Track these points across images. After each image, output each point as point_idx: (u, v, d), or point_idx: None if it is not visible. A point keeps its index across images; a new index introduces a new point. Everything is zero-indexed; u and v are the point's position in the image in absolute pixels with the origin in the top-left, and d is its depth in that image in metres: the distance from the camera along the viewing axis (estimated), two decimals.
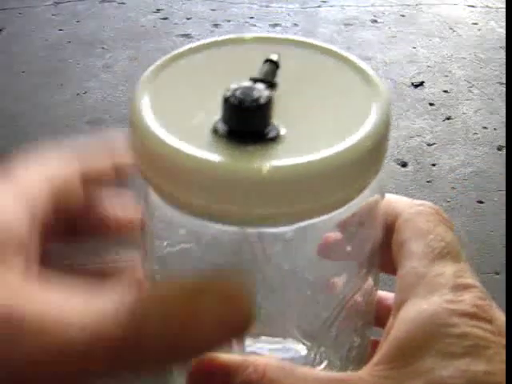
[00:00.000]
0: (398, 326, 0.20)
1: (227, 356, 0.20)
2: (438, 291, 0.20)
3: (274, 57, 0.22)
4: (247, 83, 0.19)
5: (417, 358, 0.19)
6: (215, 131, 0.20)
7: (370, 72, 0.23)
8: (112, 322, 0.16)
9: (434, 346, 0.19)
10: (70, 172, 0.23)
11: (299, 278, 0.25)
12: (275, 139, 0.19)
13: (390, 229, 0.24)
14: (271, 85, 0.21)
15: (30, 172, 0.22)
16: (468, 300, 0.20)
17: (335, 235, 0.23)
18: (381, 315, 0.25)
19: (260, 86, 0.19)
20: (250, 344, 0.26)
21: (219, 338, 0.18)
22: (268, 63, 0.22)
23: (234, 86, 0.19)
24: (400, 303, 0.21)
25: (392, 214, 0.24)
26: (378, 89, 0.22)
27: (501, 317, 0.20)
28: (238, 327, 0.18)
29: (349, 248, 0.24)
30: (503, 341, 0.19)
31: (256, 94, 0.19)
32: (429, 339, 0.19)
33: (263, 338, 0.27)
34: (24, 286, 0.18)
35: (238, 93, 0.19)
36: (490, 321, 0.19)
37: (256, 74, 0.21)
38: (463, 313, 0.19)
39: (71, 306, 0.17)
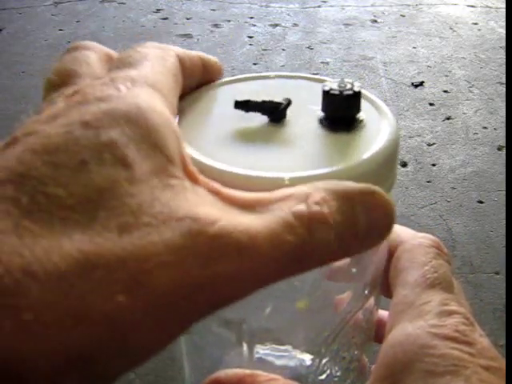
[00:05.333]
0: (387, 347, 0.22)
1: (239, 371, 0.22)
2: (423, 317, 0.22)
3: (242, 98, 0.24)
4: (337, 79, 0.23)
5: (403, 377, 0.21)
6: (320, 121, 0.24)
7: (381, 103, 0.26)
8: (290, 231, 0.16)
9: (418, 366, 0.21)
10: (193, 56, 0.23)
11: (307, 293, 0.26)
12: (362, 122, 0.24)
13: (391, 255, 0.26)
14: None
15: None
16: (450, 325, 0.22)
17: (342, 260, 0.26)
18: (381, 333, 0.27)
19: (349, 79, 0.23)
20: (259, 351, 0.27)
21: (372, 241, 0.20)
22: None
23: (328, 83, 0.23)
24: (391, 327, 0.23)
25: (396, 241, 0.26)
26: (387, 116, 0.25)
27: (482, 341, 0.22)
28: (387, 230, 0.20)
29: (354, 270, 0.26)
30: (482, 361, 0.21)
31: (349, 85, 0.23)
32: (413, 359, 0.21)
33: (271, 345, 0.28)
34: (199, 196, 0.16)
35: (335, 85, 0.23)
36: (470, 344, 0.21)
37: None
38: (445, 336, 0.21)
39: (248, 217, 0.16)
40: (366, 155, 0.22)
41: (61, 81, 0.19)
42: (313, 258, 0.17)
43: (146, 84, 0.18)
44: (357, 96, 0.23)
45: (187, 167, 0.17)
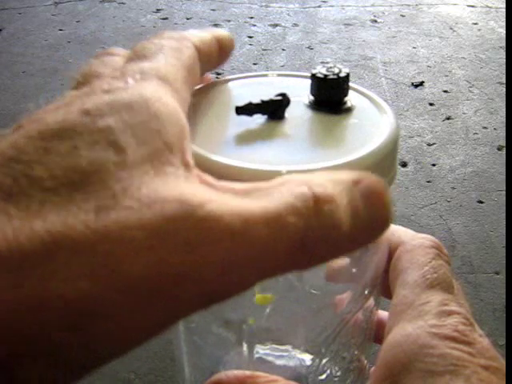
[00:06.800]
0: (386, 347, 0.22)
1: (239, 373, 0.22)
2: (423, 317, 0.22)
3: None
4: (328, 64, 0.24)
5: (403, 377, 0.21)
6: (309, 104, 0.24)
7: (379, 100, 0.26)
8: (292, 213, 0.15)
9: (418, 366, 0.21)
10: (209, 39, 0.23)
11: (307, 293, 0.26)
12: (351, 108, 0.24)
13: (391, 256, 0.26)
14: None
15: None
16: (450, 325, 0.22)
17: (342, 260, 0.25)
18: (381, 333, 0.27)
19: (340, 65, 0.24)
20: (259, 351, 0.27)
21: (367, 236, 0.18)
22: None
23: (318, 66, 0.24)
24: (390, 327, 0.23)
25: (396, 242, 0.26)
26: (387, 114, 0.25)
27: (482, 341, 0.22)
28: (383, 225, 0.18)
29: (354, 270, 0.26)
30: (482, 361, 0.21)
31: (337, 70, 0.24)
32: (413, 359, 0.21)
33: (271, 345, 0.28)
34: (194, 183, 0.16)
35: (323, 70, 0.24)
36: (470, 343, 0.21)
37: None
38: (445, 336, 0.21)
39: (247, 202, 0.15)
40: (367, 149, 0.22)
41: (84, 80, 0.19)
42: (320, 245, 0.16)
43: (156, 76, 0.18)
44: (346, 79, 0.24)
45: (185, 158, 0.17)
